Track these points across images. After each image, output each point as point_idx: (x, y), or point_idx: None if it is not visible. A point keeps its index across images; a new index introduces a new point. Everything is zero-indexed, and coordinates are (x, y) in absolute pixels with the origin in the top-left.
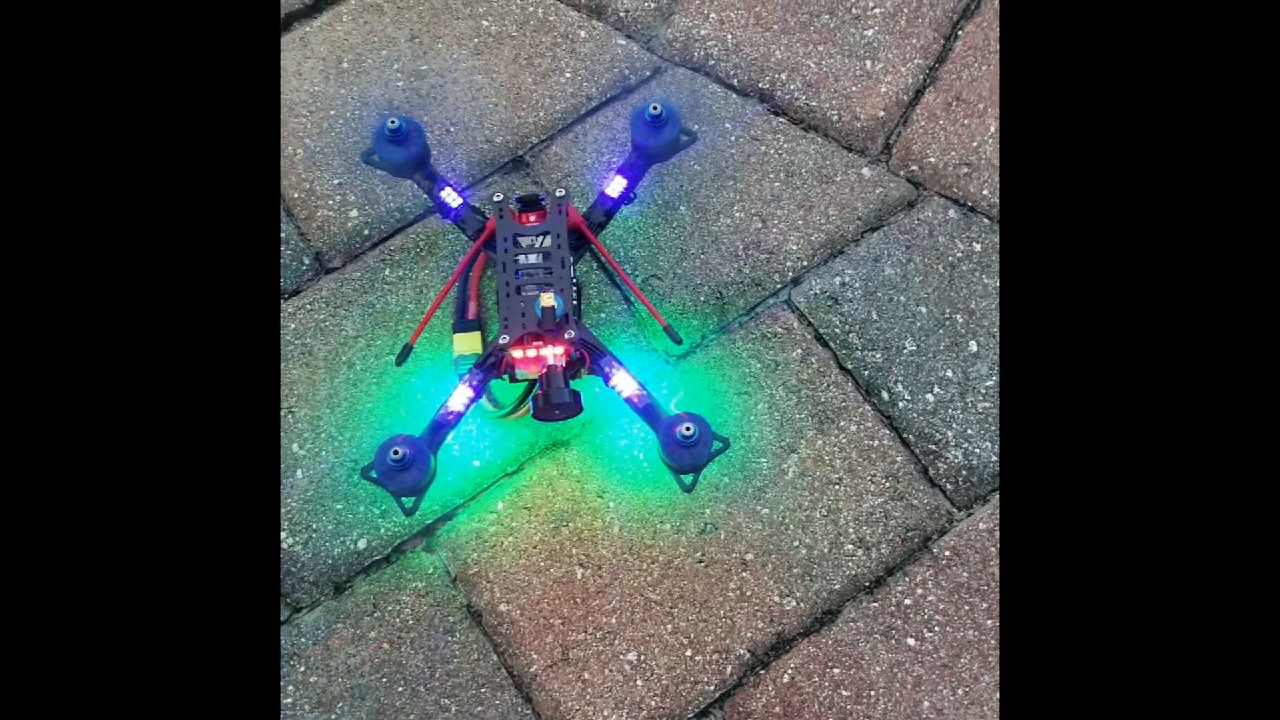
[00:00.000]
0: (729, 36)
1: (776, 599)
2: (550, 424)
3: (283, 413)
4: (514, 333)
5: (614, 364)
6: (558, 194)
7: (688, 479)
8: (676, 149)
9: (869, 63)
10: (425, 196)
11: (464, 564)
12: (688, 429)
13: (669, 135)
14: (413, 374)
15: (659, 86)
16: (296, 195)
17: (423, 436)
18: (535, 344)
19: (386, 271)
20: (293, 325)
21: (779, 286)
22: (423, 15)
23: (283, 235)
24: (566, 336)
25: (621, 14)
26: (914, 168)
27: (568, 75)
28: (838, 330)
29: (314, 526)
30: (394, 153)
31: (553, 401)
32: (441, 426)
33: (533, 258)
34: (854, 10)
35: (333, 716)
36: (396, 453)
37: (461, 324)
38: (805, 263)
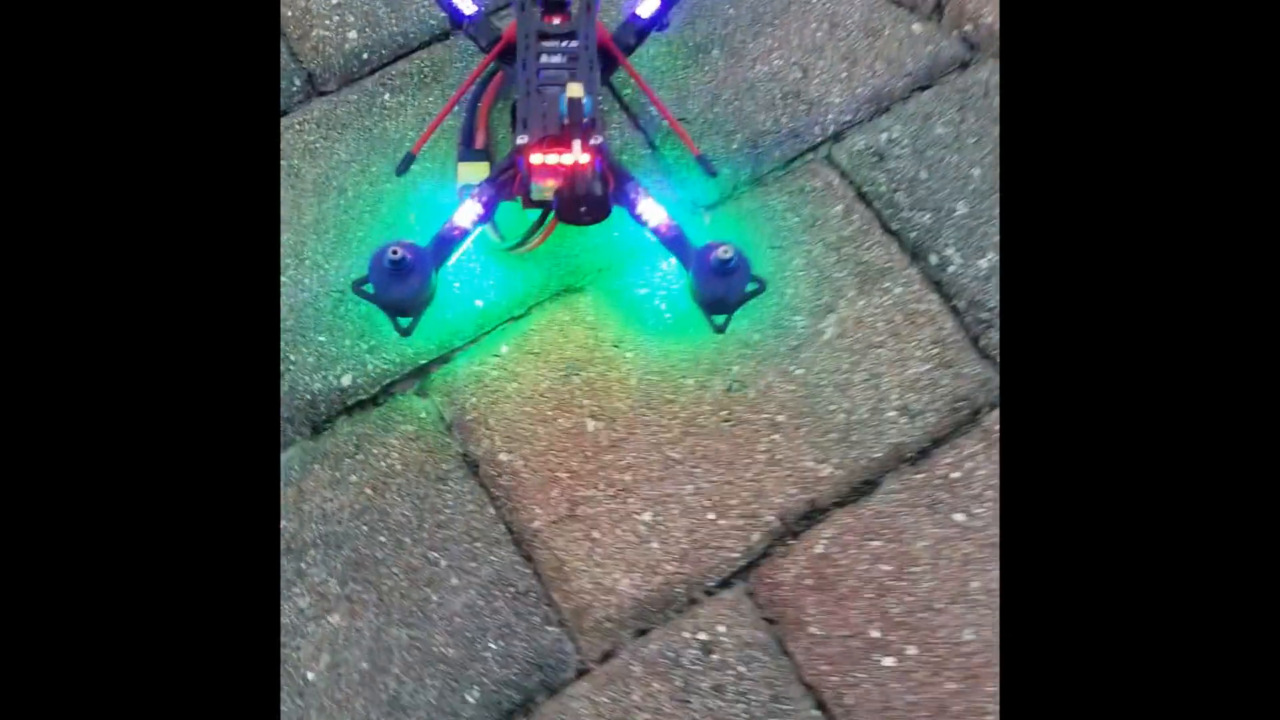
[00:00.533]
0: None
1: (810, 464)
2: (562, 264)
3: None
4: (534, 134)
5: (641, 190)
6: None
7: (719, 319)
8: None
9: None
10: (434, 20)
11: (460, 409)
12: (726, 252)
13: None
14: (410, 204)
15: None
16: (289, 13)
17: (424, 248)
18: (558, 148)
19: (386, 96)
20: (280, 145)
21: (819, 140)
22: None
23: None
24: (593, 141)
25: None
26: (968, 28)
27: None
28: (883, 188)
29: (292, 359)
30: None
31: (579, 194)
32: (446, 242)
33: (556, 58)
34: None
35: (303, 564)
36: (395, 253)
37: (468, 153)
38: (849, 117)
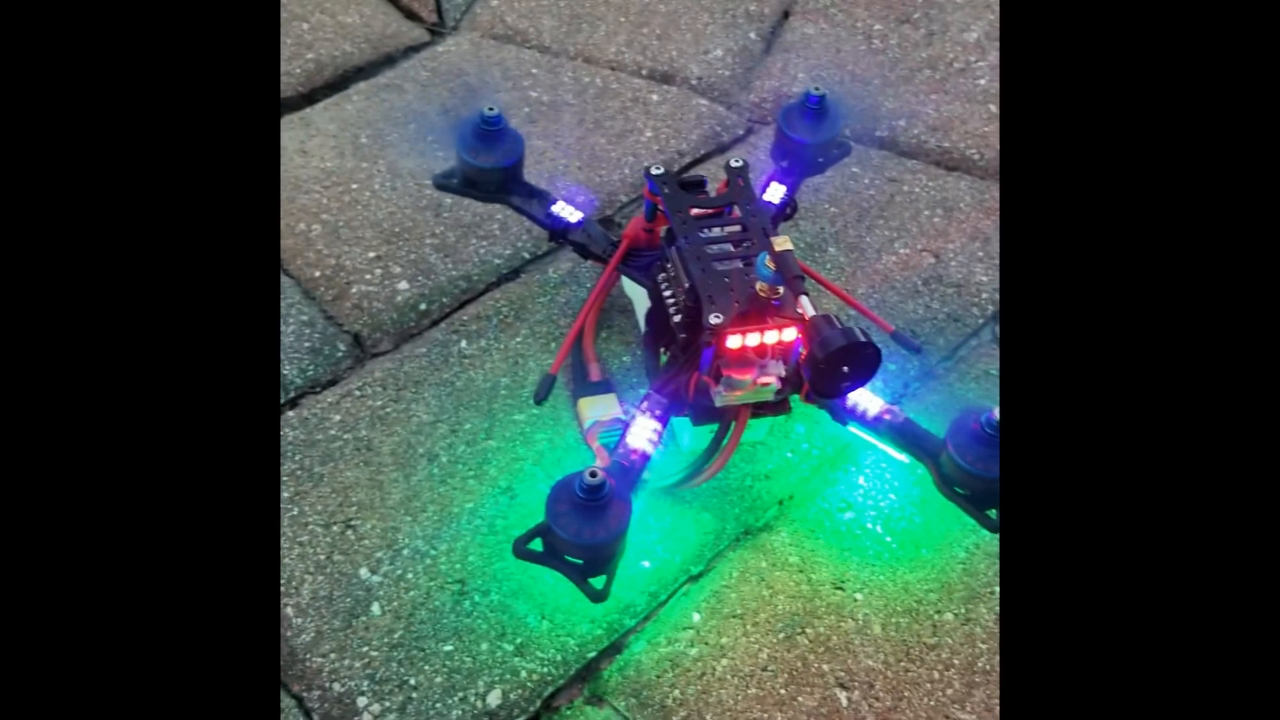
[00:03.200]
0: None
1: None
2: (737, 502)
3: (339, 527)
4: (725, 310)
5: None
6: (734, 163)
7: (993, 513)
8: (831, 157)
9: (993, 106)
10: (499, 259)
11: (660, 709)
12: (999, 414)
13: (830, 131)
14: (524, 459)
15: (762, 141)
16: (318, 274)
17: (617, 479)
18: (759, 325)
19: (463, 344)
20: (337, 418)
21: (980, 322)
22: (454, 90)
23: (305, 319)
24: (800, 309)
25: (693, 81)
26: None
27: (648, 134)
28: None
29: (414, 682)
30: (488, 156)
31: (834, 347)
32: (628, 473)
33: (717, 230)
34: (955, 64)
35: None
36: (594, 475)
37: (585, 388)
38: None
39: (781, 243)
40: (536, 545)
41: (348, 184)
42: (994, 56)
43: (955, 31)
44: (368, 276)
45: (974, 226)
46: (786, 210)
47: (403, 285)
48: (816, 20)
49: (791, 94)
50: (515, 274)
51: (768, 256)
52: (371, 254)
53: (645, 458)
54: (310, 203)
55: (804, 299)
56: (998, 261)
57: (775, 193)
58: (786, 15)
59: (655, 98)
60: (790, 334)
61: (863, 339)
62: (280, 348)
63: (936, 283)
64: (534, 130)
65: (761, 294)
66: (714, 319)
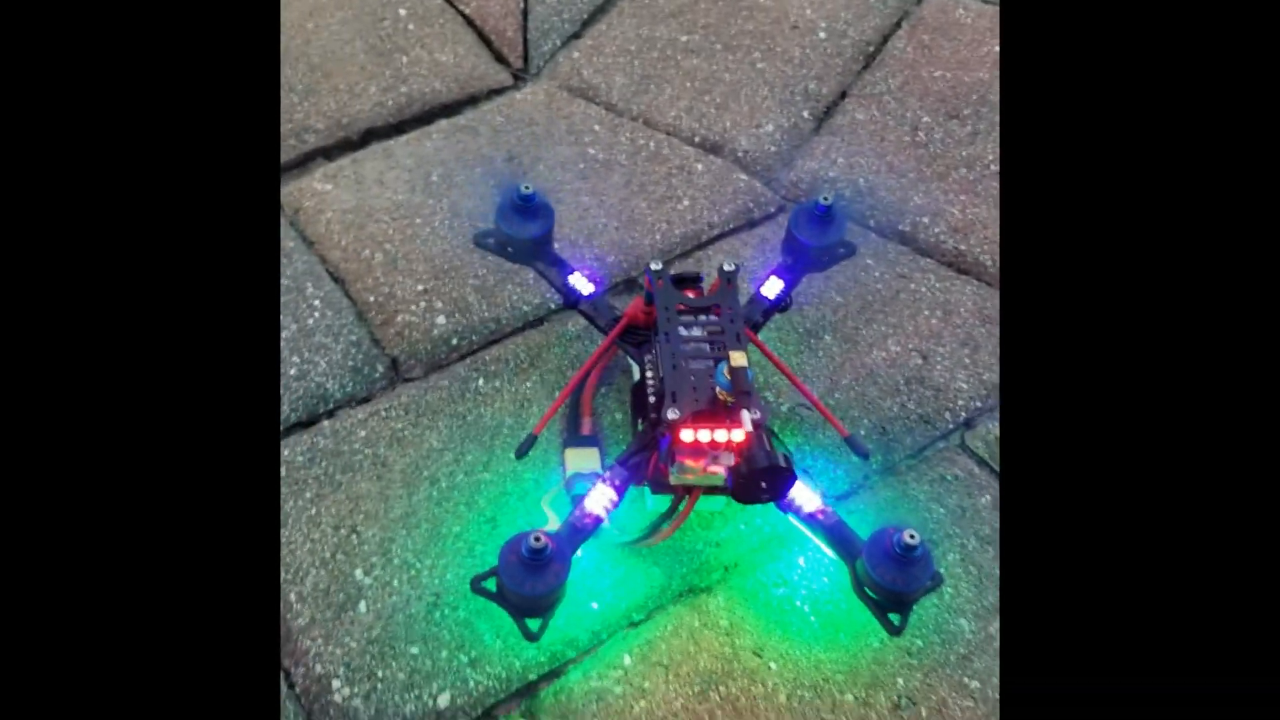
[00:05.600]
0: (860, 180)
1: None
2: (685, 562)
3: (345, 531)
4: (685, 408)
5: None
6: (727, 268)
7: (895, 618)
8: (834, 258)
9: None
10: (527, 306)
11: None
12: (912, 537)
13: (834, 236)
14: (511, 495)
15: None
16: (372, 299)
17: (561, 537)
18: (711, 424)
19: (480, 382)
20: (362, 433)
21: (950, 427)
22: (522, 139)
23: (354, 339)
24: (753, 417)
25: (740, 154)
26: None
27: (685, 203)
28: None
29: (380, 675)
30: (520, 228)
31: (757, 468)
32: (578, 532)
33: (696, 330)
34: (992, 166)
35: None
36: (538, 540)
37: (574, 439)
38: (979, 403)
39: (738, 358)
40: (490, 584)
41: (413, 218)
42: None
43: (1000, 133)
44: (413, 307)
45: (968, 333)
46: (782, 305)
47: (441, 320)
48: (869, 106)
49: (829, 178)
50: (539, 322)
51: (726, 367)
52: (420, 287)
53: (598, 521)
54: (378, 231)
55: (744, 413)
56: (980, 370)
57: (773, 287)
58: (844, 96)
59: (700, 167)
60: (739, 436)
61: (782, 464)
62: (329, 366)
63: (918, 383)
64: (583, 187)
65: (720, 398)
66: (670, 414)
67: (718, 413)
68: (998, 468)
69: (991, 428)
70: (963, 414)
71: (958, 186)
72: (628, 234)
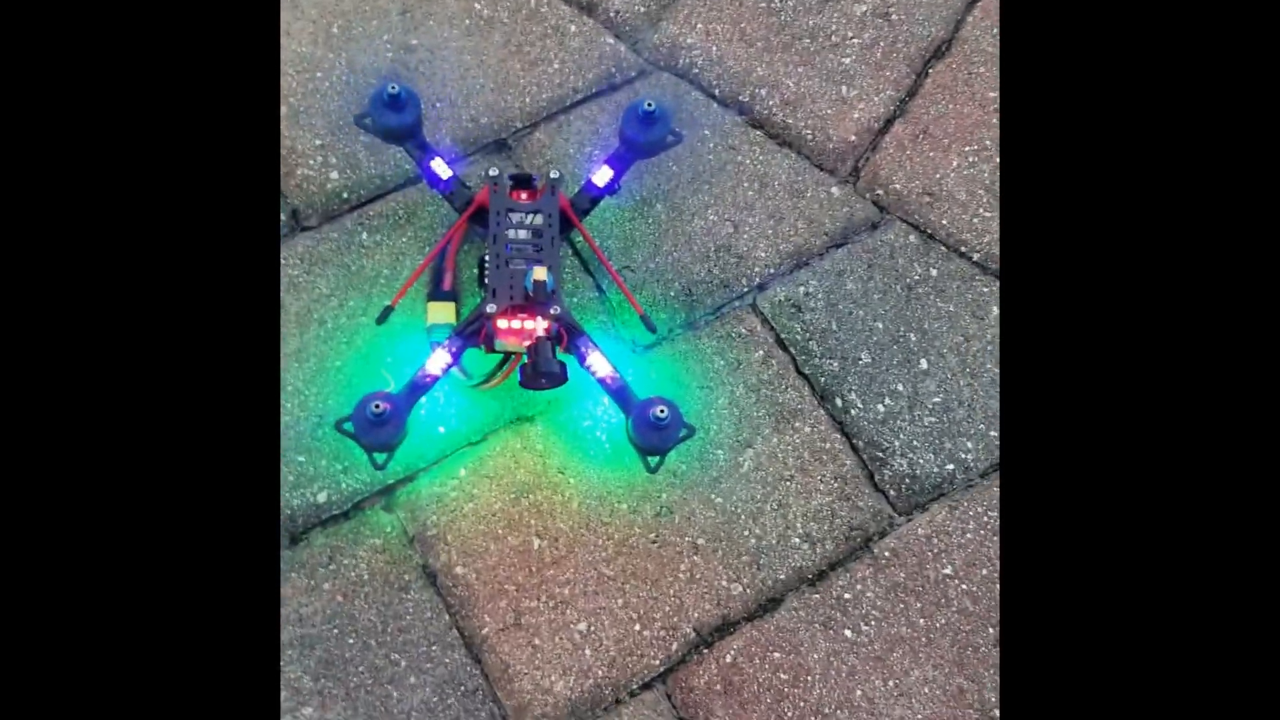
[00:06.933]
0: (714, 48)
1: (724, 584)
2: (516, 398)
3: None
4: (501, 302)
5: (590, 345)
6: (552, 175)
7: (653, 460)
8: (663, 147)
9: (845, 89)
10: (409, 165)
11: (422, 525)
12: (662, 411)
13: (659, 133)
14: (382, 336)
15: (644, 88)
16: (280, 152)
17: (400, 396)
18: (521, 316)
19: (364, 235)
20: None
21: (745, 290)
22: None
23: None
24: (552, 311)
25: (612, 14)
26: (879, 192)
27: (555, 66)
28: (799, 336)
29: None
30: (390, 118)
31: (540, 370)
32: (418, 388)
33: (523, 233)
34: (834, 38)
35: (281, 664)
36: (378, 407)
37: (437, 294)
38: (772, 270)
39: (539, 273)
40: (349, 426)
41: (314, 71)
42: (869, 35)
43: (848, 2)
44: (311, 161)
45: (776, 205)
46: (611, 191)
47: (334, 175)
48: None
49: (686, 45)
50: (419, 180)
51: (532, 275)
52: (318, 141)
53: (435, 379)
54: (283, 85)
55: (538, 319)
56: (779, 241)
57: (604, 176)
58: None
59: (573, 28)
60: (541, 328)
61: (556, 370)
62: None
63: (725, 251)
64: (467, 45)
65: (530, 296)
66: (489, 308)
67: (529, 306)
68: (776, 327)
69: (779, 292)
70: (757, 279)
71: (798, 58)
72: (500, 96)
